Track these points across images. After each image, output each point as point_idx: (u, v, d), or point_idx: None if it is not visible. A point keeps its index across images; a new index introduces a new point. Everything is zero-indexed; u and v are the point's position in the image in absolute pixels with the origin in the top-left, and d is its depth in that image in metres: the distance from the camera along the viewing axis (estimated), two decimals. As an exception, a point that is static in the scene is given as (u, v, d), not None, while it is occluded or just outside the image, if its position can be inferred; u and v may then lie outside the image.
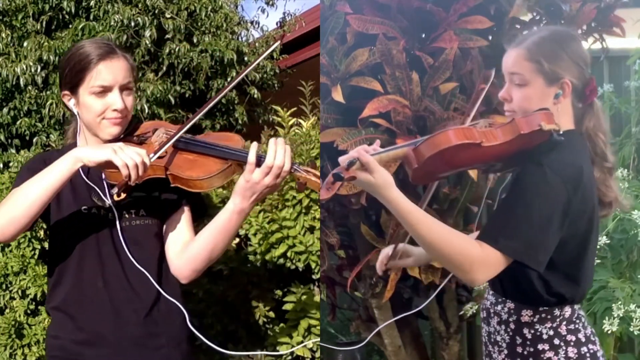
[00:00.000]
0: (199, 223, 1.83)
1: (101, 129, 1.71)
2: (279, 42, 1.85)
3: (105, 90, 1.68)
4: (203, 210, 1.87)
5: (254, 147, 1.57)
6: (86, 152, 1.56)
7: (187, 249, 1.71)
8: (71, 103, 1.72)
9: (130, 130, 1.76)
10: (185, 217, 1.77)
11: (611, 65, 3.68)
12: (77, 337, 1.69)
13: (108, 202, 1.64)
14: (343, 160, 1.45)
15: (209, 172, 1.61)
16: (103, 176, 1.70)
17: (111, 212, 1.68)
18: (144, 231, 1.73)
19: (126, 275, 1.70)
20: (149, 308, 1.71)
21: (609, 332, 2.17)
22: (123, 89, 1.70)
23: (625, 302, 2.20)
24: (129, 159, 1.53)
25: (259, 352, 2.43)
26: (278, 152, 1.55)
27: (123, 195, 1.61)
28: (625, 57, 3.33)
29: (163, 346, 1.72)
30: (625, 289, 2.27)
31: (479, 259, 1.43)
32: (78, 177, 1.68)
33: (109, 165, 1.55)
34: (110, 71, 1.68)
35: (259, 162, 1.55)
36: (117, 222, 1.67)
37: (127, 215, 1.71)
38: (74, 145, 1.75)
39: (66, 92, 1.72)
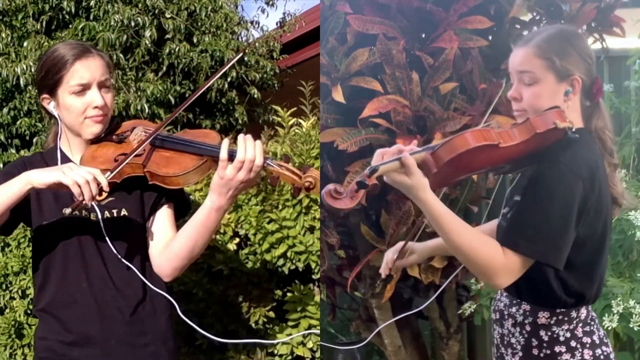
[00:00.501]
0: (183, 220, 1.83)
1: (83, 128, 1.71)
2: (242, 53, 1.85)
3: (84, 89, 1.68)
4: (186, 208, 1.88)
5: (225, 143, 1.57)
6: (35, 175, 1.56)
7: (167, 247, 1.72)
8: (51, 106, 1.73)
9: (111, 130, 1.77)
10: (167, 216, 1.78)
11: (611, 65, 3.68)
12: (64, 338, 1.69)
13: (89, 203, 1.65)
14: (384, 152, 1.44)
15: (184, 169, 1.62)
16: None
17: (93, 212, 1.69)
18: (126, 231, 1.73)
19: (110, 276, 1.71)
20: (134, 307, 1.72)
21: (609, 328, 2.18)
22: (101, 86, 1.71)
23: (624, 299, 2.21)
24: (79, 177, 1.51)
25: (256, 340, 2.43)
26: (248, 147, 1.55)
27: (105, 195, 1.61)
28: (625, 57, 3.33)
29: (149, 344, 1.73)
30: (624, 287, 2.28)
31: (503, 265, 1.44)
32: None
33: (60, 186, 1.54)
34: (87, 69, 1.69)
35: (231, 158, 1.55)
36: (101, 223, 1.67)
37: (109, 215, 1.72)
38: (55, 149, 1.76)
39: (45, 95, 1.73)
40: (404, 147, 1.46)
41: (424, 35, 2.53)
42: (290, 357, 2.52)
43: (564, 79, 1.55)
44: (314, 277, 2.55)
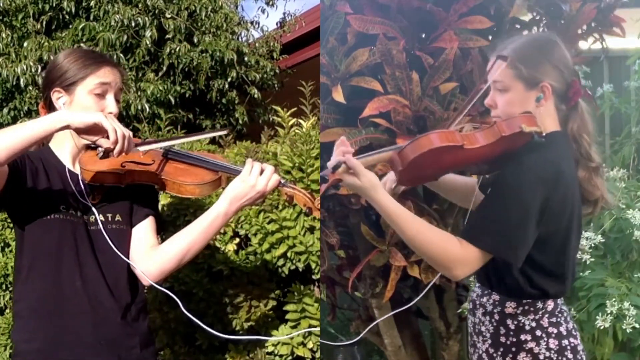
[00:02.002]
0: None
1: None
2: (225, 131, 2.05)
3: (103, 93, 1.72)
4: (162, 226, 1.97)
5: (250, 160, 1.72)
6: (73, 115, 1.51)
7: (159, 250, 1.76)
8: (61, 101, 1.73)
9: None
10: (151, 224, 1.83)
11: (611, 65, 3.68)
12: (55, 337, 1.68)
13: (87, 202, 1.70)
14: (330, 164, 1.52)
15: (201, 180, 1.71)
16: (80, 177, 1.72)
17: (87, 214, 1.72)
18: (119, 235, 1.76)
19: (104, 276, 1.72)
20: (124, 309, 1.75)
21: (602, 328, 2.19)
22: (115, 96, 1.76)
23: (619, 300, 2.22)
24: (119, 128, 1.54)
25: (256, 337, 2.44)
26: (267, 164, 1.72)
27: (99, 198, 1.69)
28: (625, 57, 3.33)
29: (135, 347, 1.76)
30: (621, 288, 2.28)
31: (459, 256, 1.51)
32: (56, 176, 1.71)
33: (93, 131, 1.52)
34: (112, 74, 1.75)
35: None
36: (100, 225, 1.70)
37: (103, 219, 1.74)
38: (47, 149, 1.77)
39: (59, 89, 1.73)
40: (352, 150, 1.53)
41: (424, 35, 2.53)
42: (290, 357, 2.52)
43: (533, 87, 1.61)
44: (314, 277, 2.55)
